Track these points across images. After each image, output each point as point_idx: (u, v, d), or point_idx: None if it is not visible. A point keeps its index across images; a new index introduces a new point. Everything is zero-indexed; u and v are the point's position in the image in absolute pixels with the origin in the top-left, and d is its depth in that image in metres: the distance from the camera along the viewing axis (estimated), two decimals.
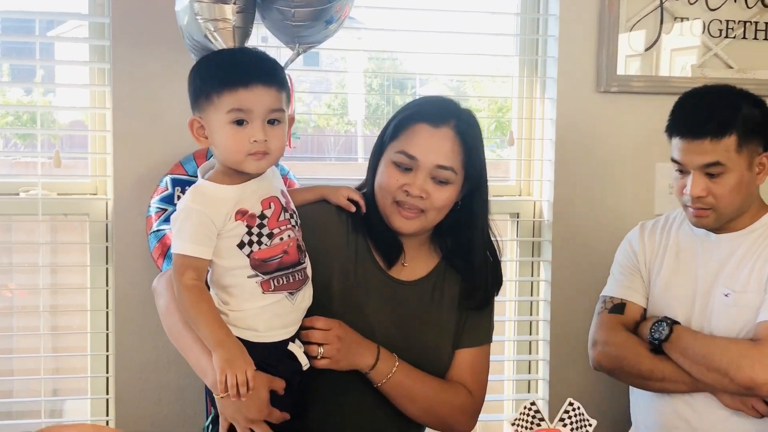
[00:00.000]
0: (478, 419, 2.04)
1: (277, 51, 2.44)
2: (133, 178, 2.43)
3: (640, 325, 2.25)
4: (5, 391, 2.67)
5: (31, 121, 2.71)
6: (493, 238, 2.00)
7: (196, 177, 2.23)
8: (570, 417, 1.61)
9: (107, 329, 2.57)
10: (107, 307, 2.57)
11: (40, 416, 2.53)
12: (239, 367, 1.60)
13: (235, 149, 1.65)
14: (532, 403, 1.61)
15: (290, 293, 1.73)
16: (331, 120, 3.12)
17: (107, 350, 2.58)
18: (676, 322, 2.16)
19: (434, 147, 1.86)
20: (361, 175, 1.98)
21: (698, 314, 2.18)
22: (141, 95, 2.50)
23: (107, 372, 2.58)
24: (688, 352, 2.10)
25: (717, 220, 2.15)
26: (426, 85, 3.01)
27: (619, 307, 2.29)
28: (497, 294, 2.03)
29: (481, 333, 2.02)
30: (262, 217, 1.69)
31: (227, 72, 1.65)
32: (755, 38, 2.92)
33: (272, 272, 1.70)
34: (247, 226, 1.67)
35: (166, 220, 2.26)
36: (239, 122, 1.63)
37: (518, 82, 2.88)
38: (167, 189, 2.30)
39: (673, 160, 2.17)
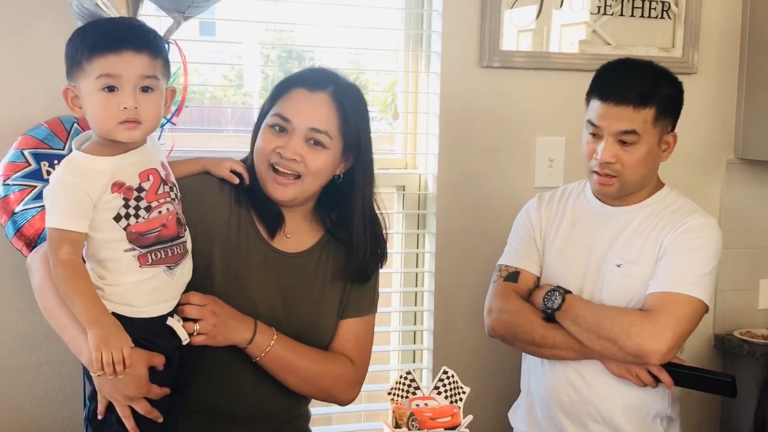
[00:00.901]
0: (363, 389, 2.07)
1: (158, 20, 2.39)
2: (3, 152, 2.35)
3: (533, 293, 2.31)
4: None
5: None
6: (378, 212, 2.01)
7: (61, 150, 2.20)
8: (445, 385, 1.65)
9: None
10: None
11: None
12: (114, 345, 1.58)
13: (105, 116, 1.62)
14: (408, 373, 1.64)
15: (168, 267, 1.71)
16: (228, 91, 3.08)
17: None
18: (568, 292, 2.23)
19: (309, 110, 1.87)
20: None
21: (590, 283, 2.25)
22: (11, 64, 2.42)
23: None
24: (580, 320, 2.17)
25: (619, 189, 2.22)
26: (323, 57, 3.00)
27: (513, 276, 2.34)
28: (381, 267, 2.05)
29: (365, 304, 2.05)
30: (140, 189, 1.66)
31: (98, 38, 1.62)
32: (632, 15, 3.00)
33: (150, 246, 1.68)
34: (123, 198, 1.64)
35: (37, 198, 2.15)
36: (110, 89, 1.60)
37: (404, 56, 2.89)
38: (29, 164, 2.19)
39: (590, 123, 2.22)
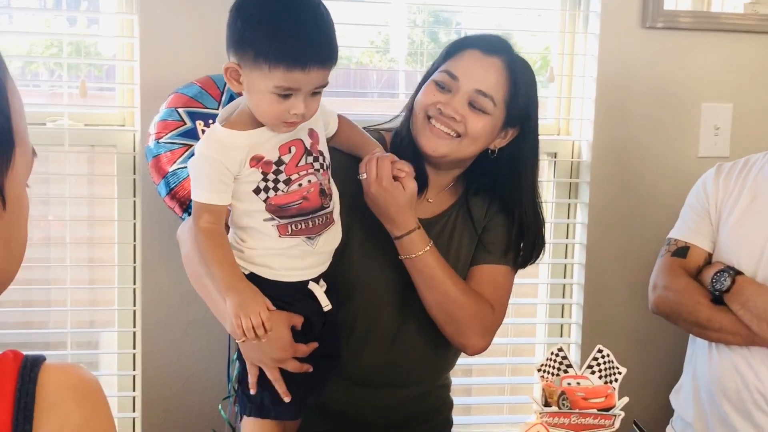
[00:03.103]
0: (507, 362, 2.00)
1: None
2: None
3: (702, 271, 2.18)
4: (42, 322, 2.67)
5: (76, 52, 2.65)
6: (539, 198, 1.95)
7: (215, 109, 2.20)
8: (599, 364, 1.55)
9: (134, 262, 2.55)
10: (134, 240, 2.54)
11: (66, 347, 2.53)
12: (253, 311, 1.57)
13: (273, 116, 1.59)
14: (560, 349, 1.56)
15: (309, 237, 1.67)
16: (374, 56, 3.05)
17: (134, 283, 2.56)
18: (739, 273, 2.08)
19: (479, 72, 1.81)
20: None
21: (765, 265, 2.09)
22: (168, 25, 2.43)
23: (134, 305, 2.56)
24: (749, 305, 2.03)
25: None
26: (474, 19, 2.91)
27: (682, 251, 2.22)
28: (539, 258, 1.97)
29: (502, 253, 1.95)
30: (279, 163, 1.63)
31: (287, 49, 1.52)
32: None
33: (291, 217, 1.65)
34: (262, 173, 1.62)
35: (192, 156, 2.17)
36: (285, 96, 1.56)
37: (560, 16, 2.77)
38: (185, 123, 2.18)
39: None
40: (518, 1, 2.86)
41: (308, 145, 1.67)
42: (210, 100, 2.22)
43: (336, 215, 1.73)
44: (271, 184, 1.63)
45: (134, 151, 2.50)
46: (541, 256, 1.97)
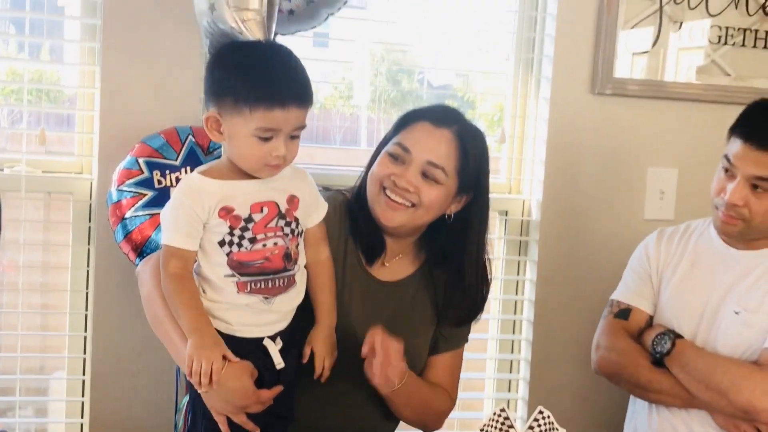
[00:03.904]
0: (455, 416, 2.06)
1: None
2: (118, 159, 2.39)
3: (644, 333, 2.23)
4: None
5: (37, 100, 2.67)
6: (486, 257, 2.01)
7: (173, 161, 2.24)
8: (539, 425, 1.58)
9: (86, 310, 2.55)
10: (87, 288, 2.55)
11: (14, 393, 2.52)
12: (207, 356, 1.61)
13: (255, 159, 1.64)
14: (502, 410, 1.58)
15: (266, 297, 1.71)
16: (337, 102, 3.11)
17: (85, 330, 2.56)
18: (679, 336, 2.14)
19: (430, 144, 1.87)
20: (364, 162, 2.00)
21: (705, 329, 2.15)
22: (129, 77, 2.47)
23: (84, 353, 2.56)
24: (689, 368, 2.08)
25: (743, 233, 2.12)
26: (432, 75, 3.00)
27: (624, 313, 2.27)
28: (480, 315, 2.04)
29: (460, 336, 2.05)
30: (249, 220, 1.67)
31: (265, 90, 1.60)
32: (754, 46, 2.89)
33: (251, 275, 1.68)
34: (230, 226, 1.66)
35: (146, 206, 2.21)
36: (266, 139, 1.62)
37: (513, 79, 2.85)
38: (142, 172, 2.24)
39: (726, 158, 2.10)
40: (474, 64, 2.93)
41: (283, 209, 1.71)
42: (171, 151, 2.27)
43: (299, 278, 1.76)
44: (236, 239, 1.66)
45: (90, 198, 2.51)
46: (479, 316, 2.04)
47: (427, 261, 2.00)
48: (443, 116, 1.92)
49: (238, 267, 1.67)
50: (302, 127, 1.66)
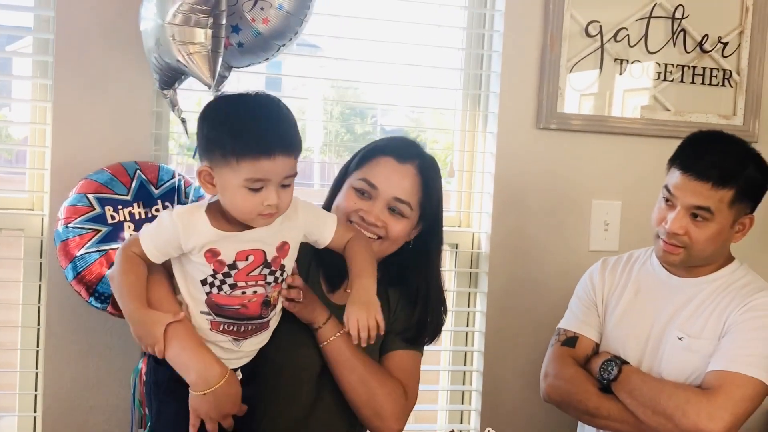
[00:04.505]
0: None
1: None
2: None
3: (591, 360, 2.27)
4: None
5: None
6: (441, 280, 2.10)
7: (124, 195, 2.24)
8: None
9: (37, 346, 2.54)
10: (38, 324, 2.54)
11: None
12: (149, 343, 1.69)
13: (248, 210, 1.67)
14: None
15: (236, 339, 1.76)
16: None
17: (36, 367, 2.54)
18: (625, 362, 2.18)
19: (396, 180, 1.96)
20: (317, 200, 2.03)
21: (649, 355, 2.20)
22: (81, 113, 2.48)
23: (35, 390, 2.54)
24: (636, 393, 2.12)
25: (685, 260, 2.17)
26: (386, 115, 3.05)
27: (571, 341, 2.31)
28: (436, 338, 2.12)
29: (411, 339, 2.07)
30: (232, 267, 1.70)
31: (251, 141, 1.62)
32: (692, 82, 2.98)
33: (226, 317, 1.73)
34: (213, 270, 1.70)
35: (101, 242, 2.18)
36: (256, 190, 1.64)
37: (461, 115, 2.92)
38: (93, 208, 2.21)
39: (666, 188, 2.17)
40: (425, 99, 2.99)
41: (270, 257, 1.74)
42: (120, 186, 2.25)
43: (272, 323, 1.82)
44: (217, 282, 1.70)
45: (42, 234, 2.51)
46: (438, 336, 2.11)
47: (380, 281, 2.02)
48: (406, 151, 2.00)
49: (215, 308, 1.72)
50: (293, 175, 1.68)
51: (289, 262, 1.79)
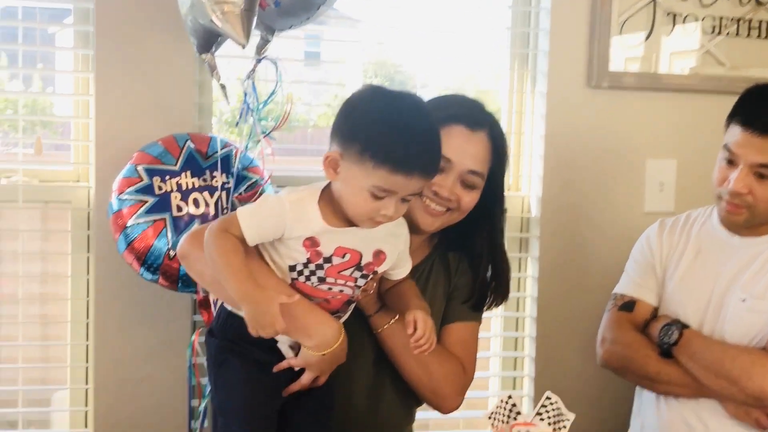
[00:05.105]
0: (459, 414, 2.02)
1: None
2: (115, 166, 2.38)
3: (650, 324, 2.22)
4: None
5: (31, 110, 2.67)
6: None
7: (172, 166, 2.22)
8: (548, 411, 1.58)
9: (87, 318, 2.54)
10: (87, 296, 2.53)
11: (17, 405, 2.50)
12: (264, 327, 1.57)
13: (363, 213, 1.60)
14: (509, 397, 1.58)
15: None
16: (331, 119, 3.10)
17: (87, 339, 2.54)
18: (686, 326, 2.13)
19: (470, 151, 1.86)
20: None
21: (711, 318, 2.14)
22: (124, 82, 2.46)
23: (86, 362, 2.55)
24: (697, 357, 2.07)
25: (748, 220, 2.10)
26: (430, 78, 2.99)
27: (629, 305, 2.26)
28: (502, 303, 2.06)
29: (473, 311, 2.02)
30: (328, 260, 1.64)
31: (397, 151, 1.54)
32: (748, 36, 2.88)
33: None
34: (308, 258, 1.63)
35: (148, 212, 2.17)
36: (380, 197, 1.58)
37: (509, 76, 2.85)
38: (142, 179, 2.20)
39: (726, 148, 2.09)
40: (470, 61, 2.93)
41: (364, 262, 1.67)
42: (170, 158, 2.25)
43: (343, 320, 1.76)
44: (306, 272, 1.64)
45: (89, 206, 2.50)
46: (506, 299, 2.05)
47: (439, 246, 2.00)
48: (478, 117, 1.90)
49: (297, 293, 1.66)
50: (418, 193, 1.62)
51: (381, 269, 1.72)
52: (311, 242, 1.62)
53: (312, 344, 1.66)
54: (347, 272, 1.66)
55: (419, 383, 1.93)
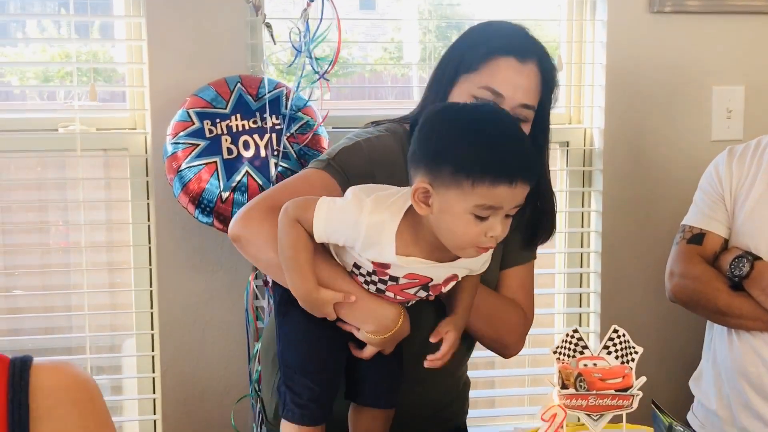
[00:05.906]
0: (526, 353, 2.00)
1: None
2: (170, 112, 2.37)
3: (719, 257, 2.16)
4: (65, 327, 2.68)
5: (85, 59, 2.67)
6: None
7: (222, 109, 2.19)
8: (615, 345, 1.54)
9: (150, 265, 2.56)
10: (149, 243, 2.55)
11: (85, 352, 2.55)
12: (317, 315, 1.59)
13: (467, 239, 1.48)
14: (575, 330, 1.54)
15: None
16: (387, 65, 3.07)
17: (150, 285, 2.56)
18: (758, 258, 2.06)
19: (521, 84, 1.77)
20: None
21: None
22: (176, 26, 2.44)
23: (151, 308, 2.57)
24: None
25: None
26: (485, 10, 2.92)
27: (698, 238, 2.19)
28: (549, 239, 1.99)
29: (528, 250, 1.98)
30: (393, 279, 1.57)
31: (495, 159, 1.44)
32: None
33: None
34: (372, 270, 1.56)
35: (200, 155, 2.18)
36: (484, 218, 1.46)
37: (567, 3, 2.76)
38: (193, 123, 2.21)
39: None
40: None
41: (432, 284, 1.59)
42: (221, 101, 2.25)
43: None
44: (368, 279, 1.58)
45: (146, 153, 2.50)
46: (552, 234, 1.99)
47: None
48: (527, 48, 1.80)
49: None
50: (521, 205, 1.49)
51: (447, 290, 1.65)
52: (381, 265, 1.55)
53: (371, 329, 1.61)
54: (411, 291, 1.60)
55: (484, 337, 1.91)
